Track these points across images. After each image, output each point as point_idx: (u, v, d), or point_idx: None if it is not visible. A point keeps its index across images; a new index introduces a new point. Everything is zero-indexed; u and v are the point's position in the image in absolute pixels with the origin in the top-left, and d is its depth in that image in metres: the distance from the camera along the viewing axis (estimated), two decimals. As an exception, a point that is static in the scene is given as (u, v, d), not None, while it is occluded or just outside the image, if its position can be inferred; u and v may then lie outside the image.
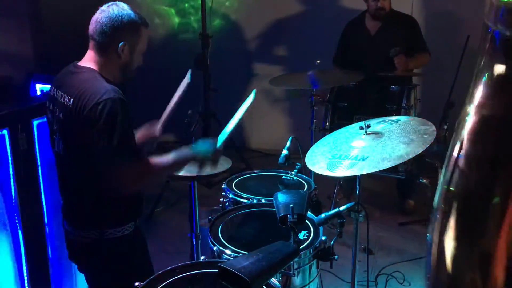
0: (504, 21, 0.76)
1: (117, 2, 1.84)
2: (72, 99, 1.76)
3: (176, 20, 5.10)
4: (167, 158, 1.83)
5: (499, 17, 0.78)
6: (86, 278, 1.99)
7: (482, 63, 0.81)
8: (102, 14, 1.79)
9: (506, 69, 0.77)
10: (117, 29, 1.78)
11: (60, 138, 1.85)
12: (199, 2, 4.26)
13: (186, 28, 5.06)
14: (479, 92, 0.81)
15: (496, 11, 0.79)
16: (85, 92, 1.73)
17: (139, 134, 2.14)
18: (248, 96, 2.05)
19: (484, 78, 0.80)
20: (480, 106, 0.81)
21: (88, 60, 1.84)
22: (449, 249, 0.89)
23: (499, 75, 0.77)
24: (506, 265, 0.82)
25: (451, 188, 0.88)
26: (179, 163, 1.91)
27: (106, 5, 1.82)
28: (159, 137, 2.21)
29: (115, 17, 1.77)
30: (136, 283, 1.58)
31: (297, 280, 1.84)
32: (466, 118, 0.83)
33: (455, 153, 0.87)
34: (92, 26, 1.81)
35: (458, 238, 0.88)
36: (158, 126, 2.19)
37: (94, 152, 1.72)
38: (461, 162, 0.85)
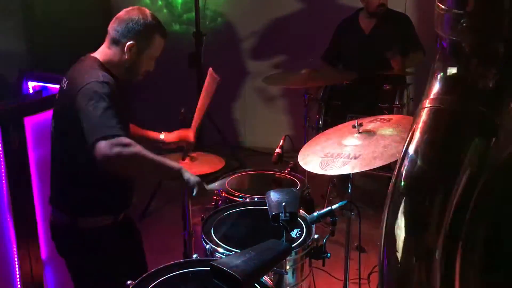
0: (450, 27, 0.88)
1: (141, 7, 1.96)
2: (67, 82, 1.88)
3: (169, 17, 5.09)
4: (153, 154, 1.80)
5: (445, 25, 0.89)
6: (66, 265, 2.04)
7: (436, 66, 0.92)
8: (124, 13, 1.93)
9: (457, 70, 0.89)
10: (130, 29, 1.89)
11: (53, 119, 1.96)
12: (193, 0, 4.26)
13: (179, 26, 5.05)
14: (433, 89, 0.91)
15: (442, 20, 0.90)
16: (79, 76, 1.84)
17: (173, 135, 2.28)
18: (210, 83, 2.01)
19: (439, 77, 0.91)
20: (433, 100, 0.91)
21: (98, 52, 1.96)
22: (399, 238, 0.95)
23: (451, 75, 0.89)
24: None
25: (401, 177, 0.95)
26: (162, 166, 1.82)
27: (132, 7, 1.95)
28: (192, 143, 2.31)
29: (132, 18, 1.90)
30: (128, 282, 1.57)
31: (289, 278, 1.85)
32: (421, 111, 0.93)
33: (406, 142, 0.96)
34: (112, 21, 1.94)
35: (406, 228, 0.94)
36: (192, 132, 2.30)
37: (80, 132, 1.74)
38: (411, 150, 0.93)
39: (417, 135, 0.94)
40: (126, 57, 1.90)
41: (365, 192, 4.08)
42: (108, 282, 1.93)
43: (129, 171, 1.87)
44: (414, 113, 0.96)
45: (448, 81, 0.90)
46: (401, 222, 0.94)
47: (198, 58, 4.21)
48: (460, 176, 0.85)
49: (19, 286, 2.40)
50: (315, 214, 1.85)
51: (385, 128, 2.00)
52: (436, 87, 0.91)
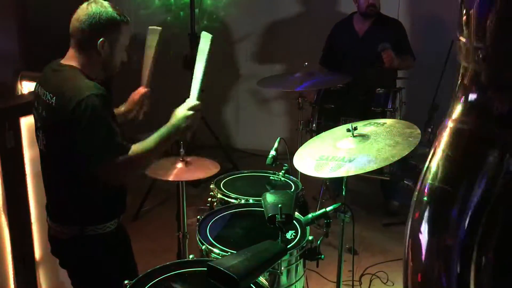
0: (470, 58, 0.99)
1: (97, 0, 1.85)
2: (54, 97, 1.79)
3: (164, 18, 5.10)
4: (150, 141, 1.81)
5: (466, 55, 1.01)
6: (68, 274, 2.00)
7: (458, 90, 1.06)
8: (81, 12, 1.83)
9: (477, 96, 1.02)
10: (94, 26, 1.80)
11: (43, 135, 1.88)
12: (188, 0, 4.27)
13: (174, 27, 5.06)
14: (456, 111, 1.05)
15: (462, 50, 1.02)
16: (68, 91, 1.76)
17: (126, 106, 2.21)
18: (204, 42, 1.93)
19: (461, 101, 1.04)
20: (455, 121, 1.04)
21: (70, 58, 1.86)
22: (423, 243, 1.08)
23: (471, 101, 1.03)
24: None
25: (424, 188, 1.08)
26: (165, 141, 1.84)
27: (86, 3, 1.85)
28: (147, 92, 2.23)
29: (92, 14, 1.80)
30: (126, 281, 1.59)
31: (284, 279, 1.87)
32: (444, 130, 1.06)
33: (429, 157, 1.09)
34: (72, 24, 1.84)
35: (429, 234, 1.07)
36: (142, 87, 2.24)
37: (79, 150, 1.75)
38: (433, 165, 1.07)
39: (439, 151, 1.07)
40: (101, 56, 1.84)
41: (357, 194, 4.12)
42: (103, 282, 1.94)
43: (135, 173, 1.89)
44: (438, 130, 1.10)
45: (468, 105, 1.03)
46: (424, 228, 1.08)
47: (193, 60, 4.21)
48: (477, 188, 0.98)
49: (12, 285, 2.40)
50: (310, 216, 1.88)
51: (379, 132, 2.03)
52: (458, 110, 1.05)
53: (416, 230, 1.09)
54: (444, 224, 1.03)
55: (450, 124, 1.05)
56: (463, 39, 1.01)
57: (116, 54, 1.87)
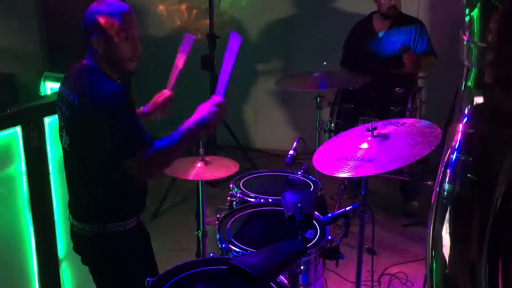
0: (474, 58, 0.99)
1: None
2: (77, 97, 1.82)
3: (183, 19, 5.14)
4: (174, 135, 1.82)
5: (470, 56, 1.00)
6: (90, 270, 2.04)
7: (463, 92, 1.05)
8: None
9: (483, 97, 1.01)
10: (86, 24, 1.85)
11: (66, 134, 1.91)
12: (207, 2, 4.29)
13: (193, 28, 5.10)
14: (464, 115, 1.05)
15: (465, 50, 1.01)
16: (90, 90, 1.80)
17: (149, 107, 2.24)
18: (233, 42, 1.90)
19: (468, 105, 1.04)
20: (465, 126, 1.04)
21: (89, 58, 1.90)
22: (445, 245, 1.07)
23: (478, 104, 1.02)
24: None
25: (443, 193, 1.08)
26: (189, 135, 1.83)
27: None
28: (171, 96, 2.27)
29: (86, 13, 1.85)
30: (147, 279, 1.61)
31: (303, 278, 1.88)
32: (455, 135, 1.06)
33: (445, 161, 1.08)
34: None
35: (451, 237, 1.06)
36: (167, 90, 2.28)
37: (101, 148, 1.78)
38: (449, 169, 1.06)
39: (452, 156, 1.06)
40: (100, 52, 1.85)
41: (376, 194, 4.10)
42: (129, 284, 1.97)
43: (161, 168, 1.90)
44: (447, 134, 1.11)
45: (476, 108, 1.02)
46: (446, 231, 1.07)
47: (211, 61, 4.24)
48: (496, 190, 0.97)
49: (36, 283, 2.44)
50: (329, 215, 1.88)
51: (399, 131, 2.02)
52: (466, 113, 1.04)
53: (438, 232, 1.09)
54: (466, 230, 1.03)
55: (460, 129, 1.05)
56: (466, 38, 0.99)
57: (120, 48, 1.85)
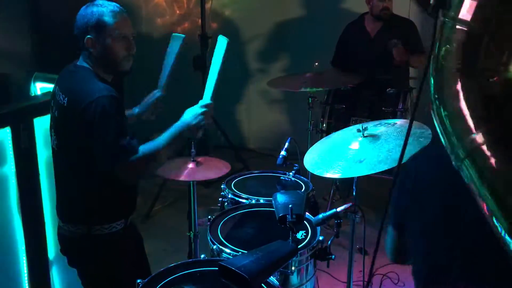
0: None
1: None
2: (66, 98, 1.82)
3: (175, 19, 5.13)
4: (160, 138, 1.84)
5: None
6: (77, 273, 2.03)
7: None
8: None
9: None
10: (79, 26, 1.85)
11: (55, 135, 1.92)
12: (199, 2, 4.28)
13: (184, 28, 5.09)
14: None
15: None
16: (79, 92, 1.80)
17: (140, 108, 2.23)
18: (220, 46, 1.96)
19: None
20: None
21: (82, 59, 1.91)
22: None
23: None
24: None
25: None
26: (174, 137, 1.86)
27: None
28: (160, 96, 2.26)
29: (78, 15, 1.86)
30: (138, 281, 1.60)
31: (294, 279, 1.88)
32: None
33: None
34: None
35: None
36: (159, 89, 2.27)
37: (87, 150, 1.78)
38: None
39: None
40: (94, 53, 1.85)
41: (367, 195, 4.11)
42: (116, 286, 1.96)
43: (148, 171, 1.92)
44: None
45: None
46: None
47: (203, 61, 4.22)
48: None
49: (26, 284, 2.43)
50: (320, 216, 1.88)
51: (390, 132, 2.02)
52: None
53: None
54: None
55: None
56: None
57: (110, 48, 1.85)
